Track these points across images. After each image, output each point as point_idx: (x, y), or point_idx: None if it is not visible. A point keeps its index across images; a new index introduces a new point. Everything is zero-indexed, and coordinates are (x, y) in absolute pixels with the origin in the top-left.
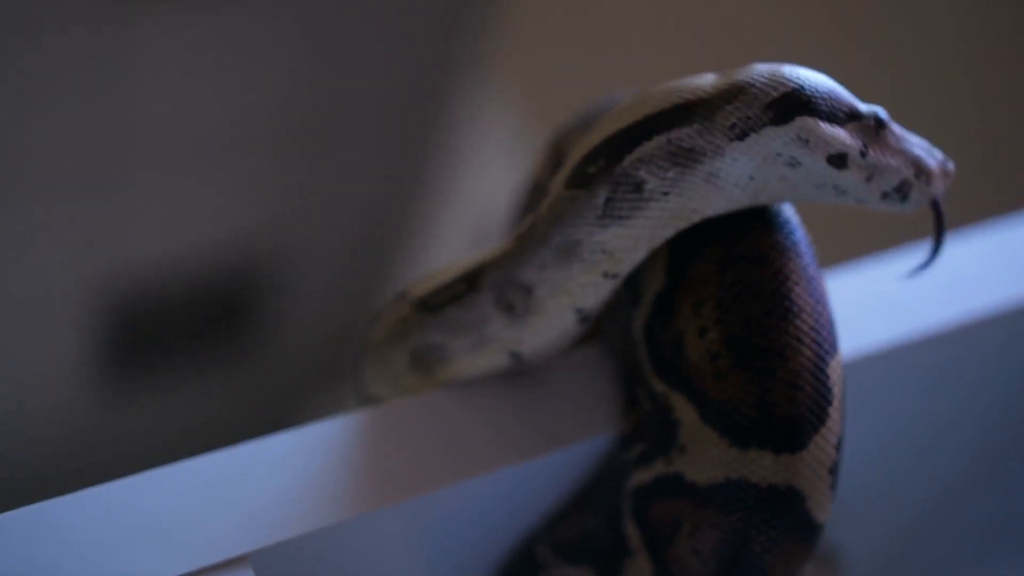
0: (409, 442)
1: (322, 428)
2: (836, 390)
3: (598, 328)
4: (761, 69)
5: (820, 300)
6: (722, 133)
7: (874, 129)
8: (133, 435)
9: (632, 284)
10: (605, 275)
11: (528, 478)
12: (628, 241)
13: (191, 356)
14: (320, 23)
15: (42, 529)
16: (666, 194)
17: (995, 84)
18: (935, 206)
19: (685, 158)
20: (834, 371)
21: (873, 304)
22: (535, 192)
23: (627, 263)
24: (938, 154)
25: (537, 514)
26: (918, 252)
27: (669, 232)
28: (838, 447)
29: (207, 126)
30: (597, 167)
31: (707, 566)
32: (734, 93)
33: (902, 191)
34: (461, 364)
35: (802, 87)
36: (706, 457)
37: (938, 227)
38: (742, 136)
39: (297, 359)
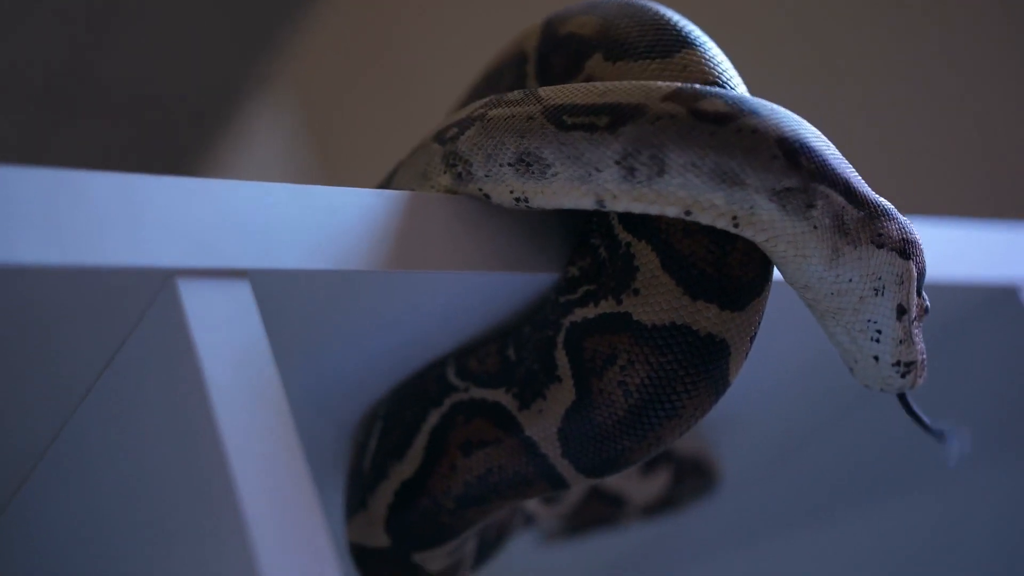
0: (392, 227)
1: (335, 193)
2: (774, 273)
3: None
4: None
5: None
6: (869, 237)
7: (922, 311)
8: None
9: None
10: (733, 220)
11: (475, 289)
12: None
13: None
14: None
15: (69, 194)
16: (830, 228)
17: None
18: (904, 396)
19: (843, 227)
20: None
21: None
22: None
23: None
24: None
25: (463, 330)
26: None
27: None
28: (759, 322)
29: None
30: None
31: (628, 399)
32: (882, 213)
33: (908, 369)
34: (554, 188)
35: (920, 245)
36: (658, 301)
37: (909, 411)
38: (879, 246)
39: None
